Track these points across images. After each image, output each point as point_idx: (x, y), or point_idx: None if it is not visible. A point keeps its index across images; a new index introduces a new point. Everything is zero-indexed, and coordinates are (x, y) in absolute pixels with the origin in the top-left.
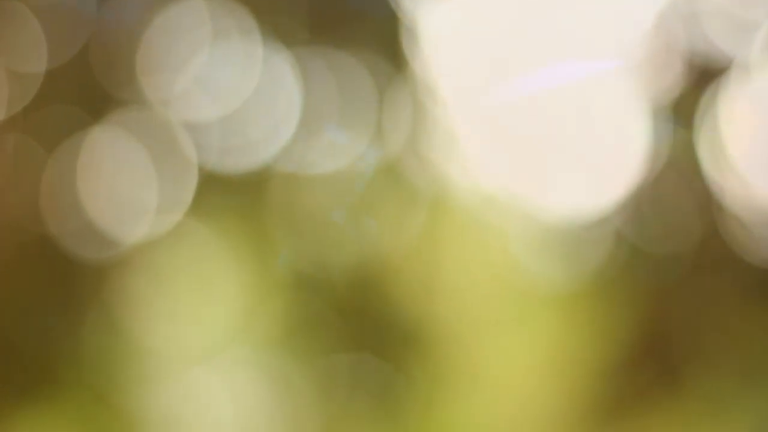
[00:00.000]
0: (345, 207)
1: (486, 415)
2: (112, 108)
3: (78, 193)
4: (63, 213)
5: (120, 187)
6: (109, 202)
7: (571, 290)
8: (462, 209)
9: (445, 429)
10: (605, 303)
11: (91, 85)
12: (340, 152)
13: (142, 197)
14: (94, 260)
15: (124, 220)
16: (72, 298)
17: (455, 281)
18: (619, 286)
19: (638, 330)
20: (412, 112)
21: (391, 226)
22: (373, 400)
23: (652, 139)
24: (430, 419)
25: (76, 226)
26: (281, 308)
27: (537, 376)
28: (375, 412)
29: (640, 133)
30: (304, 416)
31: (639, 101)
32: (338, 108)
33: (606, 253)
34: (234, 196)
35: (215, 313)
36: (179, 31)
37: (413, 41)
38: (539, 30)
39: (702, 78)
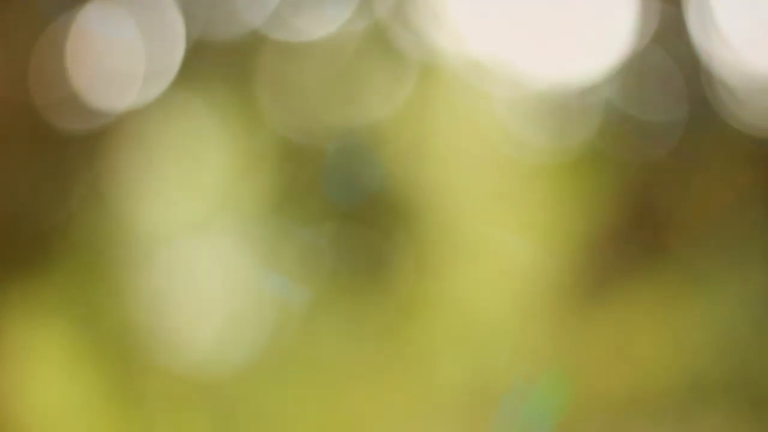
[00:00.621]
0: (333, 74)
1: (473, 284)
2: None
3: (65, 64)
4: (50, 84)
5: (107, 57)
6: (96, 72)
7: (559, 160)
8: (451, 77)
9: (434, 298)
10: (593, 173)
11: None
12: (328, 19)
13: (128, 66)
14: (81, 131)
15: (111, 90)
16: (60, 170)
17: (444, 150)
18: (607, 157)
19: (626, 201)
20: None
21: (380, 94)
22: (361, 270)
23: (642, 6)
24: (418, 289)
25: (64, 96)
26: (269, 178)
27: (524, 245)
28: (363, 282)
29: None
30: (292, 286)
31: None
32: None
33: (595, 123)
34: (221, 65)
35: (203, 183)
36: None
37: None
38: None
39: None
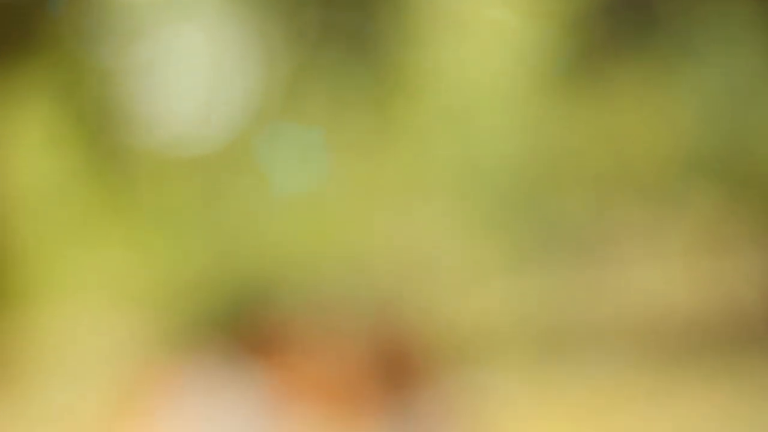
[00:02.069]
0: None
1: (462, 58)
2: None
3: None
4: None
5: None
6: None
7: None
8: None
9: (421, 72)
10: None
11: None
12: None
13: None
14: None
15: None
16: None
17: None
18: None
19: None
20: None
21: None
22: (347, 44)
23: None
24: (406, 63)
25: None
26: None
27: (512, 18)
28: (349, 56)
29: None
30: (276, 63)
31: None
32: None
33: None
34: None
35: None
36: None
37: None
38: None
39: None
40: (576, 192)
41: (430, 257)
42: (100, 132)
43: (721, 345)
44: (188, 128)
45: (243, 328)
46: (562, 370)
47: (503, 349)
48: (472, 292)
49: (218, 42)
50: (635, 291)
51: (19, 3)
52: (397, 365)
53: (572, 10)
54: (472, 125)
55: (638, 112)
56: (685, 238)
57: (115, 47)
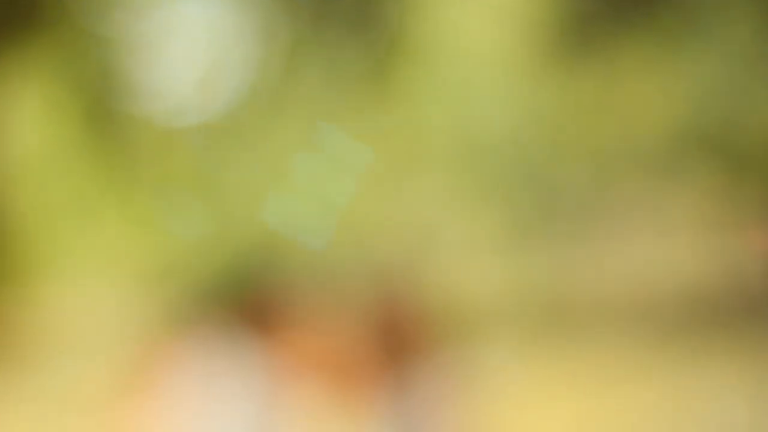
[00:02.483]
0: None
1: (459, 27)
2: None
3: None
4: None
5: None
6: None
7: None
8: None
9: (416, 47)
10: None
11: None
12: None
13: None
14: None
15: None
16: None
17: None
18: None
19: None
20: None
21: None
22: (343, 17)
23: None
24: (400, 37)
25: None
26: None
27: None
28: (345, 29)
29: None
30: (275, 33)
31: None
32: None
33: None
34: None
35: None
36: None
37: None
38: None
39: None
40: (577, 165)
41: (430, 231)
42: (100, 102)
43: (723, 319)
44: (188, 99)
45: (244, 302)
46: (562, 345)
47: (503, 323)
48: (471, 266)
49: (217, 12)
50: (636, 265)
51: None
52: (397, 339)
53: None
54: (473, 97)
55: (639, 84)
56: (687, 212)
57: (115, 17)
